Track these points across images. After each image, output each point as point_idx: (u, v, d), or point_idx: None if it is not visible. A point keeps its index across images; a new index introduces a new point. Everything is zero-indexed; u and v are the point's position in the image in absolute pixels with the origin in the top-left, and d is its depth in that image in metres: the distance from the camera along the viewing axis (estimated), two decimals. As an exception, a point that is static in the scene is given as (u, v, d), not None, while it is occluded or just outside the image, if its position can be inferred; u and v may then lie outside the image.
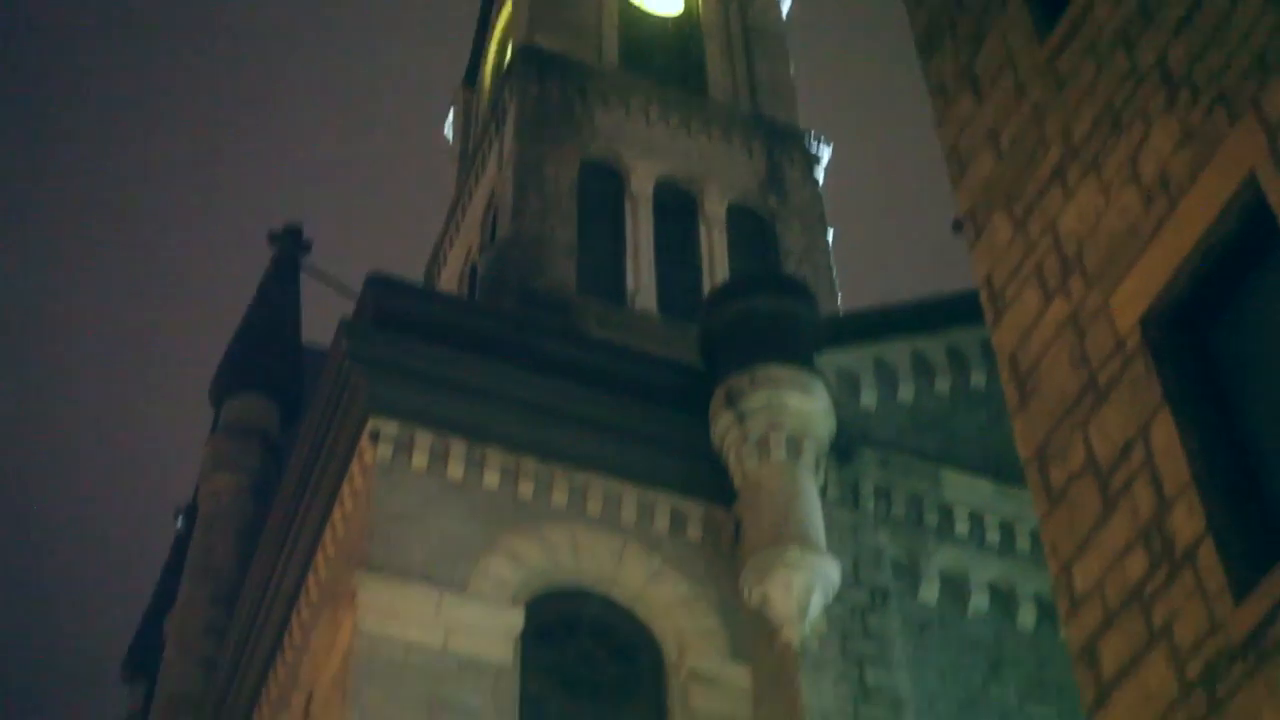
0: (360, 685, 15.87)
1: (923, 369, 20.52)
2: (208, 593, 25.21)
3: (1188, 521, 7.87)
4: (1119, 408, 8.52)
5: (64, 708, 63.95)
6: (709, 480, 18.59)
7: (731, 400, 18.35)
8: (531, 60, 30.00)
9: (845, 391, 19.53)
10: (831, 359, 19.60)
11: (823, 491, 18.18)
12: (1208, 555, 7.71)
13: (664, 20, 33.08)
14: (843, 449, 18.72)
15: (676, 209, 28.70)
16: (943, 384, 20.55)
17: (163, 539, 36.24)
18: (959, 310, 20.52)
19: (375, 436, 17.81)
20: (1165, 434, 8.16)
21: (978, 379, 20.68)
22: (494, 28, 35.55)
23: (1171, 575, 7.89)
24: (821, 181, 30.75)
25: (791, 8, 34.60)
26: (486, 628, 16.72)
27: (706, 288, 26.46)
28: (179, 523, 29.82)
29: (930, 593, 18.26)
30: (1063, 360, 9.09)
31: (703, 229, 28.55)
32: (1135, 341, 8.52)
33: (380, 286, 19.17)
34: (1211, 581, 7.65)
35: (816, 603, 17.08)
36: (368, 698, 15.79)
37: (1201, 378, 8.32)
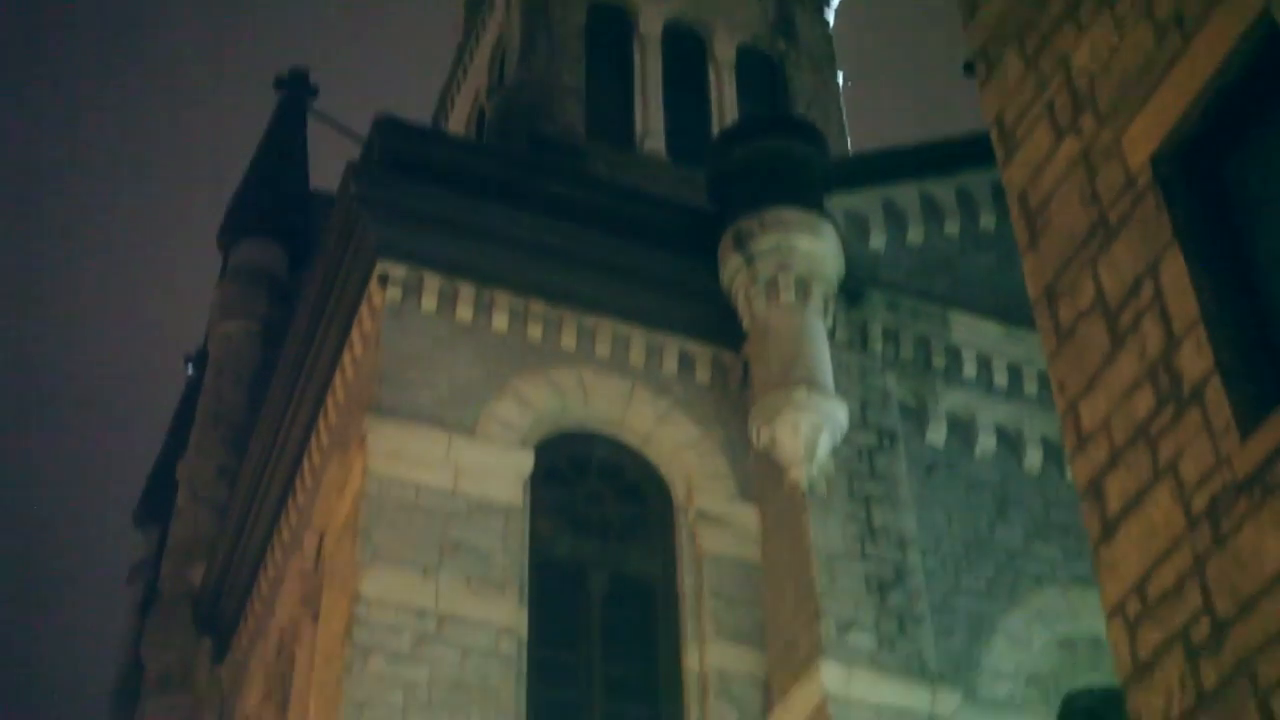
0: (371, 526, 16.03)
1: (932, 211, 20.46)
2: (219, 438, 25.39)
3: (1195, 358, 7.87)
4: (1129, 245, 8.50)
5: (77, 554, 64.65)
6: (717, 322, 18.63)
7: (740, 242, 18.33)
8: (538, -100, 29.60)
9: (854, 234, 19.49)
10: (840, 201, 19.55)
11: (831, 334, 18.20)
12: (1215, 392, 7.73)
13: None
14: (851, 291, 18.73)
15: (685, 51, 28.49)
16: (952, 226, 20.51)
17: (173, 385, 36.39)
18: (968, 152, 20.45)
19: (384, 280, 17.82)
20: (1175, 271, 8.14)
21: (987, 221, 20.63)
22: None
23: (1178, 412, 7.91)
24: (832, 23, 30.49)
25: None
26: (496, 469, 16.84)
27: (715, 131, 26.34)
28: (189, 369, 30.01)
29: (937, 434, 18.33)
30: (1073, 198, 9.05)
31: (711, 72, 28.37)
32: (1146, 179, 8.48)
33: (388, 128, 19.07)
34: (1218, 418, 7.67)
35: (824, 444, 17.17)
36: (379, 539, 15.96)
37: (1212, 215, 8.29)
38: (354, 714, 14.72)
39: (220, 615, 23.29)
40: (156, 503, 29.24)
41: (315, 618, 17.85)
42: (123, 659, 27.81)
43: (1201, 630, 7.47)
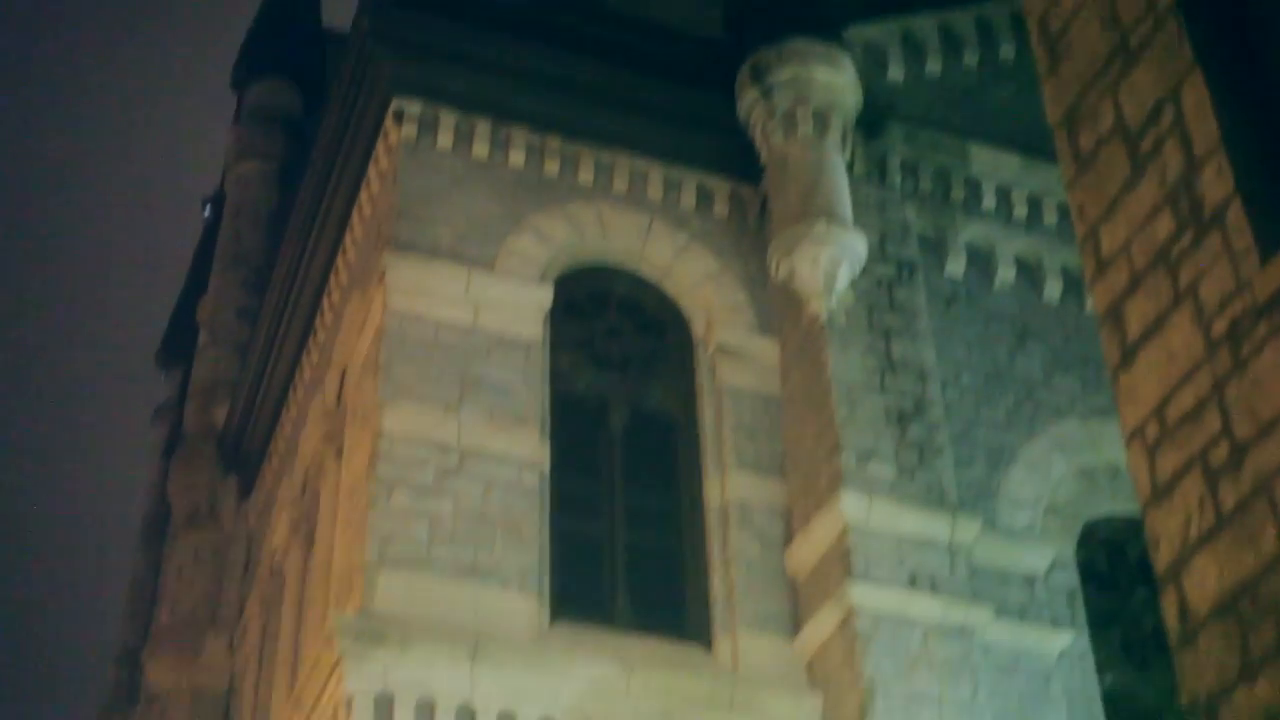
0: (392, 362, 16.09)
1: (951, 42, 20.27)
2: (238, 279, 25.47)
3: (1216, 182, 7.83)
4: (1150, 69, 8.42)
5: (102, 398, 65.06)
6: (735, 156, 18.54)
7: (758, 75, 18.18)
8: None
9: (872, 65, 19.33)
10: (858, 32, 19.35)
11: (850, 166, 18.10)
12: (1235, 216, 7.69)
13: None
14: (870, 124, 18.60)
15: (699, -118, 28.05)
16: (971, 58, 20.33)
17: (191, 228, 36.43)
18: (988, -18, 20.23)
19: (399, 116, 17.74)
20: (1196, 95, 8.07)
21: (1006, 52, 20.44)
22: None
23: (1199, 236, 7.88)
24: None
25: None
26: (515, 304, 16.87)
27: (731, -38, 26.01)
28: (207, 211, 30.03)
29: (957, 266, 18.31)
30: (1094, 22, 8.96)
31: (727, -99, 27.94)
32: (1168, 2, 8.39)
33: (401, -37, 18.87)
34: (1239, 242, 7.64)
35: (843, 276, 17.14)
36: (399, 374, 16.03)
37: (1234, 39, 8.20)
38: (379, 547, 14.88)
39: (245, 453, 23.50)
40: (178, 345, 29.42)
41: (338, 454, 17.99)
42: (149, 499, 28.12)
43: (1221, 453, 7.49)
